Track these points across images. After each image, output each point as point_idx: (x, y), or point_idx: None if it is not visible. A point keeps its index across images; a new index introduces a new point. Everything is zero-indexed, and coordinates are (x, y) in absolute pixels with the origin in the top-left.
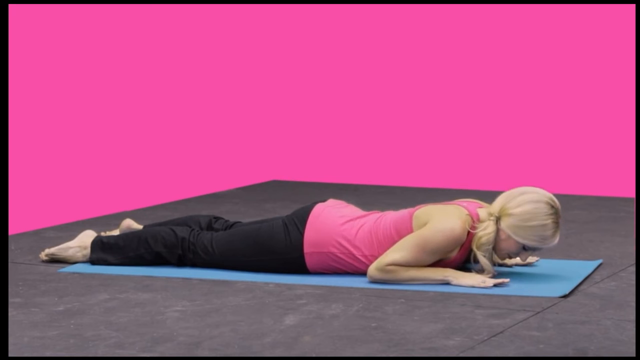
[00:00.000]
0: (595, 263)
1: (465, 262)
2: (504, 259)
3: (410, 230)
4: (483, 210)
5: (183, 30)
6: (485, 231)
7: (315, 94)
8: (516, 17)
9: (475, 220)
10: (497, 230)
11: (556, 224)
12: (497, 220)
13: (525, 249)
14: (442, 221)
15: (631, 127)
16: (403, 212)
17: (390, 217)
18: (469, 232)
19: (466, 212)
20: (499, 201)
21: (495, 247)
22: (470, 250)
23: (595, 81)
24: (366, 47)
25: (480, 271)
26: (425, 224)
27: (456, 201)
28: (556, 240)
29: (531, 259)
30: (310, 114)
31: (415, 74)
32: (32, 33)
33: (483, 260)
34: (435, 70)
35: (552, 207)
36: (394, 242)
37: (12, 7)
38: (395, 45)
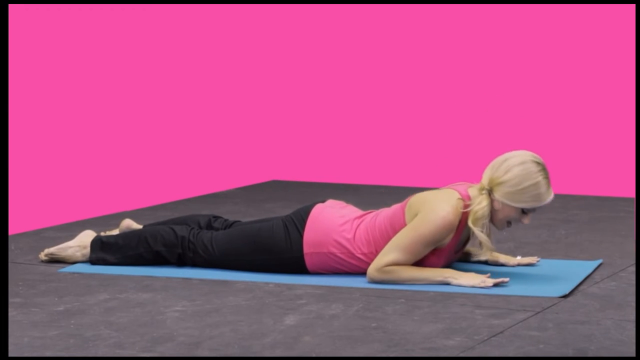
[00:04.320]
0: (595, 263)
1: (462, 261)
2: (503, 227)
3: (403, 224)
4: (473, 189)
5: (183, 30)
6: (480, 205)
7: (315, 94)
8: (516, 17)
9: (466, 201)
10: (492, 202)
11: (546, 179)
12: (489, 192)
13: (524, 212)
14: (433, 210)
15: (631, 127)
16: (396, 207)
17: (384, 213)
18: (462, 216)
19: (457, 195)
20: (486, 174)
21: (492, 218)
22: (465, 234)
23: (595, 81)
24: (366, 47)
25: (480, 256)
26: (416, 215)
27: (448, 185)
28: (551, 196)
29: (532, 259)
30: (309, 114)
31: (415, 74)
32: (32, 33)
33: (481, 236)
34: (435, 70)
35: (538, 164)
36: (389, 238)
37: (12, 7)
38: (395, 46)
